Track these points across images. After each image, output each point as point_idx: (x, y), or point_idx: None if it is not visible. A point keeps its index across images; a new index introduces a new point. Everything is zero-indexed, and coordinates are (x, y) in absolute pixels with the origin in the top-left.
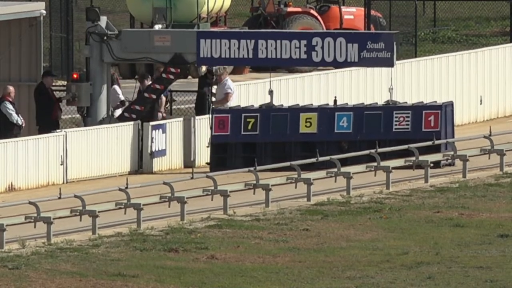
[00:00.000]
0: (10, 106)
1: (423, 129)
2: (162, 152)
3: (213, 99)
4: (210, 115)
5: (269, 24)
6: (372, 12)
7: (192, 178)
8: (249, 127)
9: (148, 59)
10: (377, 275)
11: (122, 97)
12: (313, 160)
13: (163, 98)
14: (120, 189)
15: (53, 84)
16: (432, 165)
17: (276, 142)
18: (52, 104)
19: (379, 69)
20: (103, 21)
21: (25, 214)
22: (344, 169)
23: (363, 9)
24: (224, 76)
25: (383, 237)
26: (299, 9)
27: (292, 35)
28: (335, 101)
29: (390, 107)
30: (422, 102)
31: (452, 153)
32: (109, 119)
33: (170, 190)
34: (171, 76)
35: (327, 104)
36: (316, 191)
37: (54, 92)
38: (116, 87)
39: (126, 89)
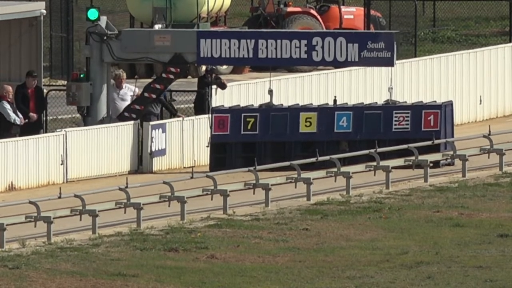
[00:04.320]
0: (7, 106)
1: (422, 128)
2: (162, 152)
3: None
4: (210, 115)
5: (269, 24)
6: (372, 12)
7: (192, 177)
8: (249, 126)
9: (148, 59)
10: (376, 274)
11: None
12: (313, 159)
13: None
14: (120, 189)
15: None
16: (431, 164)
17: (276, 141)
18: (28, 106)
19: (379, 68)
20: (103, 21)
21: (25, 214)
22: (343, 169)
23: (362, 9)
24: (123, 82)
25: (382, 237)
26: (299, 9)
27: (293, 34)
28: (335, 100)
29: (390, 107)
30: (421, 101)
31: (451, 152)
32: (109, 119)
33: (170, 189)
34: (171, 76)
35: (327, 104)
36: (315, 191)
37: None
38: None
39: None
